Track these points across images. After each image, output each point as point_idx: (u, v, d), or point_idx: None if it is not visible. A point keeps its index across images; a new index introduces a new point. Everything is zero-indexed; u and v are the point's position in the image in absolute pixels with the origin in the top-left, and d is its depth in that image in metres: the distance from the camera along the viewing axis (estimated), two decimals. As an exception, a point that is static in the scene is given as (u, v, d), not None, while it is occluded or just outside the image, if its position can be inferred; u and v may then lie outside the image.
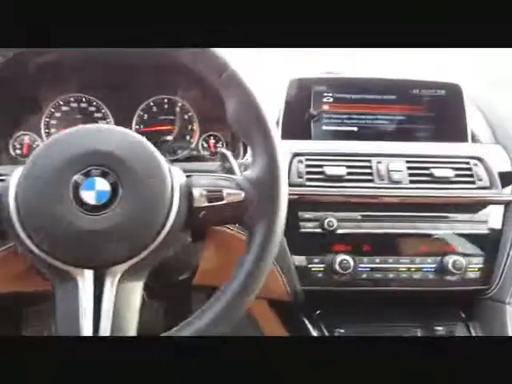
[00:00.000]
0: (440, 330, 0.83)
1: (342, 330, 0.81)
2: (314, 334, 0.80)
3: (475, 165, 0.84)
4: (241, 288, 0.52)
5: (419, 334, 0.82)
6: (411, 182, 0.82)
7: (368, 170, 0.82)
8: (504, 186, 0.84)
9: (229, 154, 0.67)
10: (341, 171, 0.81)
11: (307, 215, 0.79)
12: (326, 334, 0.80)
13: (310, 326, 0.81)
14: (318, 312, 0.83)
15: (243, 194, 0.53)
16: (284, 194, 0.55)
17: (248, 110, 0.55)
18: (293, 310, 0.84)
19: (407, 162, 0.83)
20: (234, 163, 0.65)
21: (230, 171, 0.64)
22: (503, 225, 0.83)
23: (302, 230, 0.79)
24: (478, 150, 0.87)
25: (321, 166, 0.81)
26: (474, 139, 0.91)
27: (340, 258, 0.77)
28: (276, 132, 0.56)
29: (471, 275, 0.81)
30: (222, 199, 0.53)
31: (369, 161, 0.83)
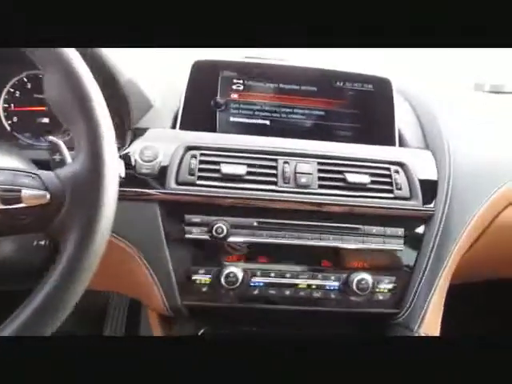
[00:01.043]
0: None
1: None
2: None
3: (396, 171, 0.74)
4: (38, 312, 0.41)
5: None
6: (320, 186, 0.71)
7: (272, 171, 0.71)
8: (426, 198, 0.74)
9: (60, 143, 0.55)
10: (240, 170, 0.70)
11: (195, 219, 0.68)
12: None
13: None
14: (201, 331, 0.73)
15: (49, 196, 0.42)
16: (110, 197, 0.44)
17: (70, 89, 0.44)
18: (178, 325, 0.73)
19: (319, 163, 0.72)
20: (68, 155, 0.53)
21: (61, 164, 0.52)
22: (421, 243, 0.73)
23: (187, 235, 0.68)
24: (403, 154, 0.76)
25: (217, 163, 0.70)
26: (402, 142, 0.81)
27: (227, 270, 0.67)
28: (105, 119, 0.45)
29: (380, 297, 0.71)
30: (19, 201, 0.42)
31: (275, 160, 0.72)
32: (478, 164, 0.79)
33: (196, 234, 0.68)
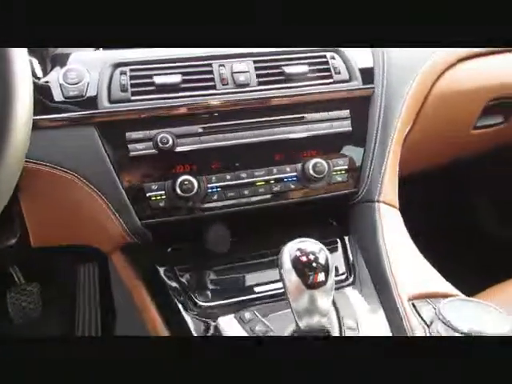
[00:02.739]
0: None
1: (200, 266, 0.69)
2: (165, 278, 0.67)
3: (332, 57, 0.74)
4: None
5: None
6: (260, 83, 0.70)
7: (208, 76, 0.69)
8: (365, 78, 0.74)
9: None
10: (174, 79, 0.67)
11: (136, 135, 0.65)
12: (179, 276, 0.68)
13: (161, 270, 0.68)
14: (169, 250, 0.71)
15: None
16: (18, 122, 0.40)
17: None
18: (144, 252, 0.71)
19: (254, 62, 0.71)
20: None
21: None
22: (367, 121, 0.74)
23: (133, 153, 0.65)
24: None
25: (150, 76, 0.67)
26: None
27: (180, 179, 0.65)
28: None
29: (338, 178, 0.72)
30: None
31: (209, 65, 0.69)
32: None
33: (141, 150, 0.65)
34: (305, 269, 0.45)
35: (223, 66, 0.70)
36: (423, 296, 0.54)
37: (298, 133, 0.70)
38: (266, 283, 0.66)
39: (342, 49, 0.74)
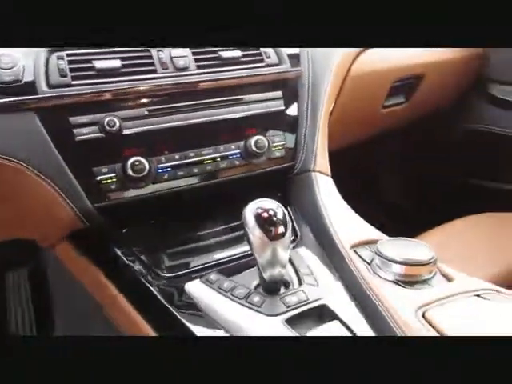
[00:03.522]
0: None
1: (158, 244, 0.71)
2: (125, 259, 0.69)
3: None
4: None
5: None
6: (199, 67, 0.74)
7: (148, 60, 0.71)
8: (293, 62, 0.82)
9: None
10: (114, 63, 0.68)
11: (81, 119, 0.65)
12: (139, 255, 0.69)
13: (119, 252, 0.69)
14: (124, 231, 0.72)
15: None
16: None
17: None
18: (95, 239, 0.71)
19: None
20: None
21: None
22: (297, 99, 0.82)
23: (79, 137, 0.65)
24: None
25: (89, 61, 0.67)
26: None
27: (131, 160, 0.66)
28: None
29: (277, 154, 0.78)
30: None
31: (147, 50, 0.71)
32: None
33: (88, 134, 0.65)
34: (266, 224, 0.50)
35: (161, 51, 0.72)
36: (362, 243, 0.63)
37: (238, 113, 0.76)
38: (225, 249, 0.71)
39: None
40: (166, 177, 0.70)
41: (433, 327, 0.46)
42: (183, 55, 0.73)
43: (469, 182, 1.35)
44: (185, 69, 0.73)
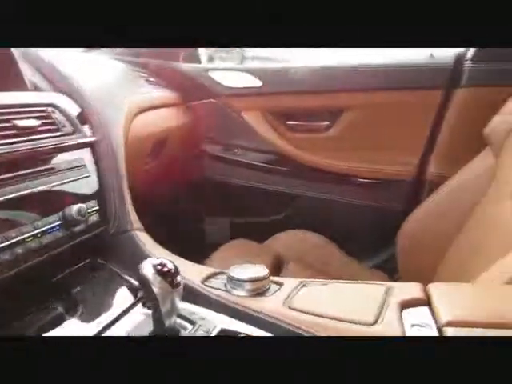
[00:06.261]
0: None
1: None
2: None
3: (53, 112, 0.79)
4: None
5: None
6: None
7: None
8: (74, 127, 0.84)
9: None
10: None
11: None
12: None
13: None
14: None
15: None
16: None
17: None
18: None
19: None
20: None
21: None
22: (99, 165, 0.84)
23: None
24: (45, 97, 0.82)
25: None
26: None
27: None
28: None
29: (94, 219, 0.79)
30: None
31: None
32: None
33: None
34: (167, 275, 0.55)
35: None
36: (208, 276, 0.74)
37: (50, 183, 0.72)
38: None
39: (56, 101, 0.81)
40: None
41: (300, 311, 0.62)
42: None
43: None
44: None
